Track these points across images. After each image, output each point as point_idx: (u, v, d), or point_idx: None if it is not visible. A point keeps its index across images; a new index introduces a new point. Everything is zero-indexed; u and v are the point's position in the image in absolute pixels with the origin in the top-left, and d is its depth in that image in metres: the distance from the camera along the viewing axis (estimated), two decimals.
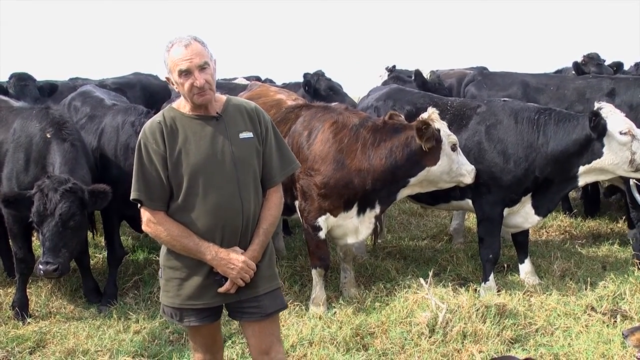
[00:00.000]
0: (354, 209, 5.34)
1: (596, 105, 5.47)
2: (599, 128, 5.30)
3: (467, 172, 5.30)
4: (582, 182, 5.65)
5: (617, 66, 8.61)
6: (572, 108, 6.86)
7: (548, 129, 5.52)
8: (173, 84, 3.10)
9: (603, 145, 5.36)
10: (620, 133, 5.29)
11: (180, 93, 3.10)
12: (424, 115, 5.17)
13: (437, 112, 5.24)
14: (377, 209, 5.41)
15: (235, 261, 3.02)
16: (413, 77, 9.55)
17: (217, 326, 3.40)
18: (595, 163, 5.43)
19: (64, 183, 4.85)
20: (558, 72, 9.62)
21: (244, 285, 3.09)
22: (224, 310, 3.34)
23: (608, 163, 5.40)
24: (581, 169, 5.50)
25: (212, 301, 3.14)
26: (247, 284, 3.10)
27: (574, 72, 9.05)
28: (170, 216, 3.07)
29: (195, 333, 3.32)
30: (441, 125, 5.16)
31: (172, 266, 3.14)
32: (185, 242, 3.02)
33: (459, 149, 5.31)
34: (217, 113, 3.11)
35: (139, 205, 3.09)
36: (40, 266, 4.74)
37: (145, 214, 3.08)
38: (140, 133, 3.10)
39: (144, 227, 3.11)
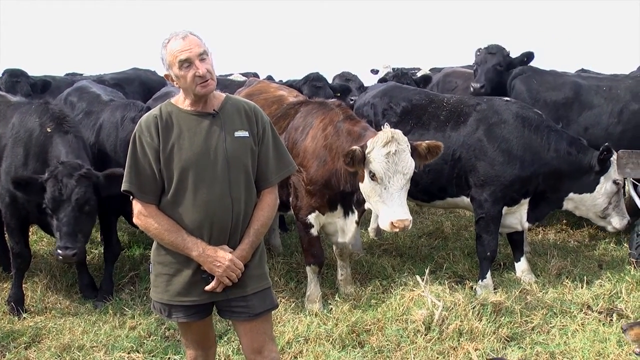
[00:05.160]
0: (339, 209, 5.26)
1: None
2: (605, 164, 5.64)
3: (375, 208, 4.70)
4: (565, 206, 5.96)
5: (528, 57, 8.26)
6: (627, 108, 6.88)
7: (560, 146, 5.67)
8: (173, 81, 3.08)
9: (598, 183, 5.73)
10: (614, 182, 5.72)
11: (180, 88, 3.08)
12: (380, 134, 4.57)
13: (391, 134, 4.50)
14: (356, 214, 5.29)
15: (221, 259, 3.00)
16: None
17: (208, 322, 3.37)
18: (584, 196, 5.79)
19: (77, 169, 4.94)
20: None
21: (232, 284, 3.07)
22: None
23: (591, 201, 5.79)
24: (571, 194, 5.82)
25: (200, 298, 3.12)
26: (236, 283, 3.08)
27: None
28: (161, 210, 3.07)
29: (185, 329, 3.31)
30: (375, 150, 4.49)
31: (162, 262, 3.13)
32: (173, 237, 3.01)
33: (386, 182, 4.48)
34: (214, 110, 3.10)
35: (130, 197, 3.09)
36: (59, 251, 4.81)
37: (136, 206, 3.07)
38: (136, 126, 3.10)
39: (134, 220, 3.10)
